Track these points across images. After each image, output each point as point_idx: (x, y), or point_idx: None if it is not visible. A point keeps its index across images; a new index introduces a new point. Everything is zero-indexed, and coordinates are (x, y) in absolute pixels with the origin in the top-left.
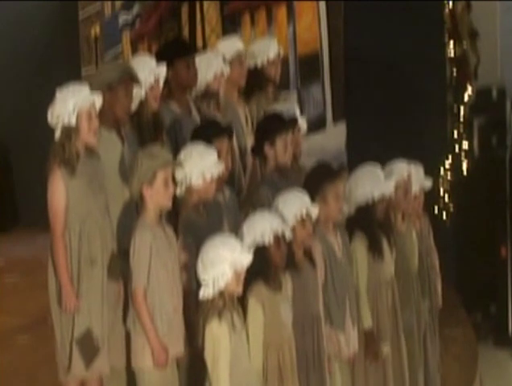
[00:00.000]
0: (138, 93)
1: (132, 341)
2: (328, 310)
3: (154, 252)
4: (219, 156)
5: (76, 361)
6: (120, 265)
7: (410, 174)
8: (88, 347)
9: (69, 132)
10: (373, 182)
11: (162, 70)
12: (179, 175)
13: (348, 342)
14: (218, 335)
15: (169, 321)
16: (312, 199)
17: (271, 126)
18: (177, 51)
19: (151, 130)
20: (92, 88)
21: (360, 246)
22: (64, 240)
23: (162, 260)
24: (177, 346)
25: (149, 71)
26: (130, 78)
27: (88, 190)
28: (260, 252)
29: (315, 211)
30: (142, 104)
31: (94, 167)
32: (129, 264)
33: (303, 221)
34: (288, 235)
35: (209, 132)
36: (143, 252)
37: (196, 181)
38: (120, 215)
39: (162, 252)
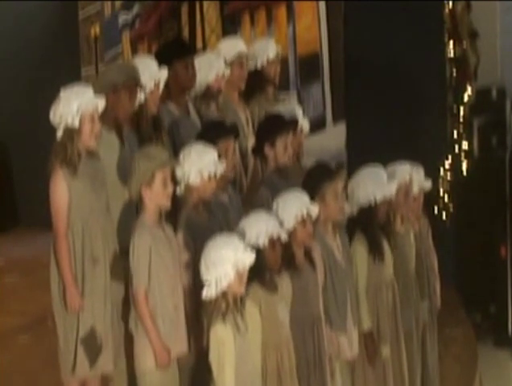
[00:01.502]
0: (138, 96)
1: (134, 342)
2: (327, 312)
3: (153, 252)
4: (225, 156)
5: (80, 360)
6: (122, 265)
7: (411, 177)
8: (92, 346)
9: (71, 133)
10: (375, 184)
11: (163, 74)
12: (178, 174)
13: (350, 343)
14: (223, 338)
15: (171, 320)
16: (311, 198)
17: (271, 127)
18: (176, 52)
19: (151, 132)
20: (97, 87)
21: (360, 248)
22: (67, 239)
23: (162, 260)
24: (180, 346)
25: (149, 75)
26: (135, 83)
27: (90, 190)
28: (255, 254)
29: (315, 210)
30: (141, 106)
31: (95, 167)
32: (129, 264)
33: (303, 221)
34: (284, 237)
35: (215, 133)
36: (143, 253)
37: (194, 179)
38: (121, 214)
39: (162, 251)
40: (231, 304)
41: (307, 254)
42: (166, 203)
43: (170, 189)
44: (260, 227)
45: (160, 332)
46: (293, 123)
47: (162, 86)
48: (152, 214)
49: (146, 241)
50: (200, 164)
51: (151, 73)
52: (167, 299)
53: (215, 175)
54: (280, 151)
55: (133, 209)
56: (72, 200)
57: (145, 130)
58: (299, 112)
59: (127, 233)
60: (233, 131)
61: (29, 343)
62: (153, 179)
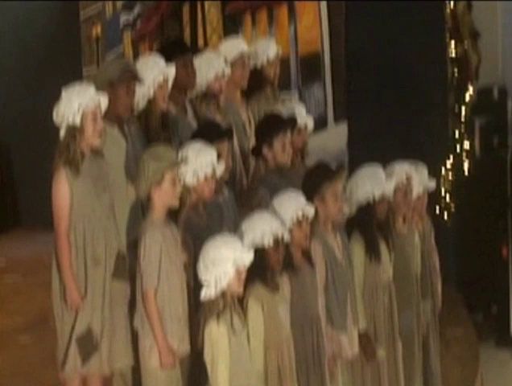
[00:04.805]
0: (146, 92)
1: (139, 341)
2: (328, 311)
3: (163, 252)
4: (219, 158)
5: (72, 358)
6: (127, 264)
7: (409, 176)
8: (87, 345)
9: (74, 132)
10: (373, 182)
11: (171, 70)
12: None
13: (351, 342)
14: (217, 338)
15: (178, 319)
16: (311, 199)
17: (268, 127)
18: (175, 53)
19: (159, 129)
20: (95, 86)
21: (357, 248)
22: (68, 239)
23: (171, 259)
24: (185, 344)
25: (158, 70)
26: (131, 76)
27: (93, 190)
28: (258, 254)
29: (311, 211)
30: (150, 103)
31: (99, 167)
32: (137, 264)
33: (299, 222)
34: (286, 237)
35: (209, 134)
36: (154, 253)
37: (191, 180)
38: (128, 214)
39: (171, 251)
40: (228, 304)
41: (305, 254)
42: (174, 203)
43: (178, 188)
44: (265, 226)
45: (168, 331)
46: (290, 122)
47: (170, 83)
48: (161, 213)
49: (157, 241)
50: (196, 165)
51: (160, 68)
52: (176, 298)
53: (213, 176)
54: (278, 151)
55: (138, 208)
56: (74, 200)
57: (153, 127)
58: (302, 111)
59: (133, 232)
60: (227, 132)
61: (30, 343)
62: (163, 179)
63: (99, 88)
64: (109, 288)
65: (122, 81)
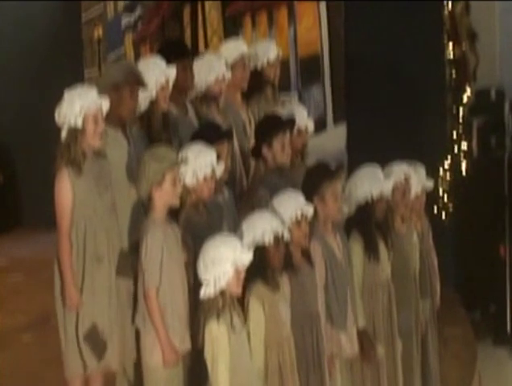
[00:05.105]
0: (149, 93)
1: (141, 339)
2: (328, 310)
3: (165, 250)
4: (219, 159)
5: (88, 357)
6: (130, 262)
7: (408, 176)
8: (97, 342)
9: (75, 133)
10: (372, 182)
11: (172, 71)
12: None
13: (351, 341)
14: (217, 336)
15: (180, 317)
16: (310, 198)
17: (268, 128)
18: (175, 54)
19: (161, 130)
20: (99, 88)
21: (356, 247)
22: (69, 237)
23: (173, 258)
24: (186, 343)
25: (160, 72)
26: (136, 80)
27: (94, 190)
28: (259, 253)
29: (310, 210)
30: (152, 104)
31: (101, 167)
32: (138, 262)
33: (298, 222)
34: (287, 236)
35: (209, 135)
36: (155, 252)
37: (190, 180)
38: (130, 214)
39: (172, 249)
40: (228, 303)
41: (305, 254)
42: (175, 202)
43: (179, 188)
44: (265, 225)
45: (170, 329)
46: (289, 123)
47: (171, 84)
48: (162, 212)
49: (158, 240)
50: (195, 165)
51: (161, 70)
52: (178, 296)
53: (212, 176)
54: (278, 151)
55: (139, 208)
56: (76, 199)
57: (155, 128)
58: (303, 113)
59: (135, 231)
60: (227, 134)
61: (31, 342)
62: (163, 180)
63: (103, 90)
64: (114, 285)
65: (127, 85)
